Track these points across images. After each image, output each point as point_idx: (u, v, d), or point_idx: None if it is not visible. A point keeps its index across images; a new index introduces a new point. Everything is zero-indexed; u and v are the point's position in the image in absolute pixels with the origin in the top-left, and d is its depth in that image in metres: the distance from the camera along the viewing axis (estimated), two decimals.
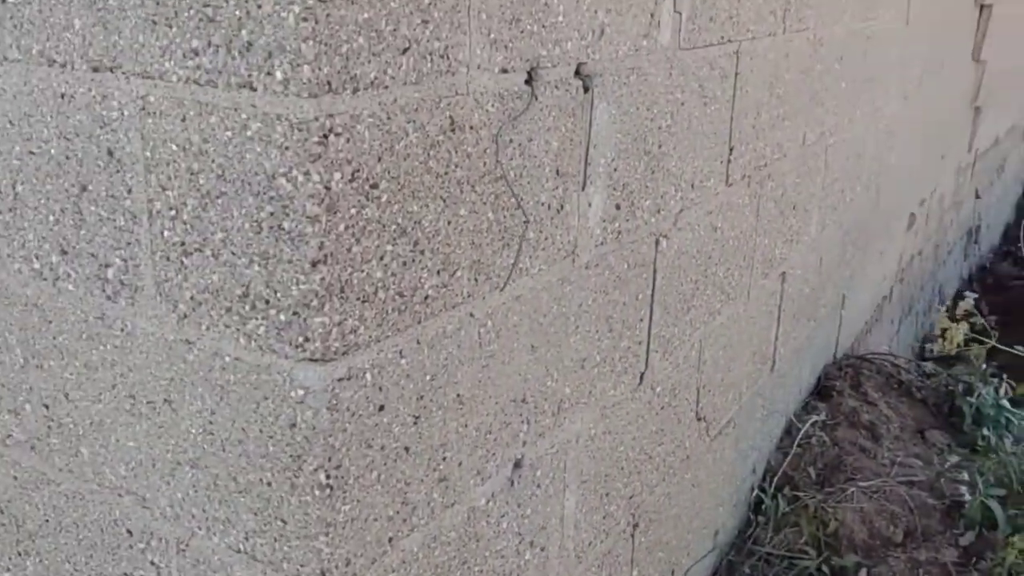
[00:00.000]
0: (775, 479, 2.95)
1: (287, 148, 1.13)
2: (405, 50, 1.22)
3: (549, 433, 1.72)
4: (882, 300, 4.43)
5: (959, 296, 6.42)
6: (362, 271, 1.22)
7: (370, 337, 1.26)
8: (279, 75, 1.11)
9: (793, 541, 2.75)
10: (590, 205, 1.70)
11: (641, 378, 2.03)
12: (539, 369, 1.65)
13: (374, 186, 1.22)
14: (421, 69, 1.25)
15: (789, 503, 2.83)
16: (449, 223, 1.36)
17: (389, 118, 1.22)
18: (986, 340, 3.41)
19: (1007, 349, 3.48)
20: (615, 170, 1.75)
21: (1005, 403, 3.23)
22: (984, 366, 3.28)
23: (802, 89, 2.60)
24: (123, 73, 1.25)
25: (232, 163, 1.18)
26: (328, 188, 1.14)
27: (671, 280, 2.06)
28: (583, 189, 1.66)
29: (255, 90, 1.14)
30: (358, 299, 1.23)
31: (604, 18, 1.61)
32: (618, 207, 1.79)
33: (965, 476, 2.88)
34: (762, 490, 2.92)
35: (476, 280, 1.44)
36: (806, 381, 3.39)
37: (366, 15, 1.15)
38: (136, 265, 1.33)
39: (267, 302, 1.21)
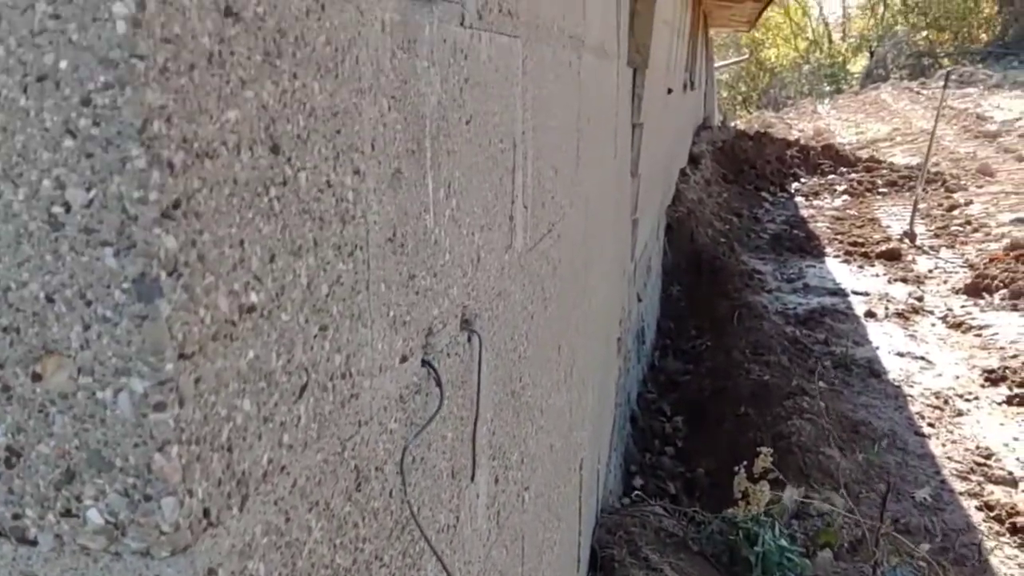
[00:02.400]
0: None
1: None
2: (303, 389, 0.66)
3: None
4: (611, 435, 4.26)
5: (647, 405, 6.56)
6: None
7: None
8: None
9: None
10: (478, 496, 1.19)
11: None
12: None
13: None
14: (322, 412, 0.70)
15: None
16: None
17: (289, 520, 0.65)
18: (779, 493, 3.29)
19: (807, 499, 3.40)
20: (493, 434, 1.26)
21: (783, 542, 3.09)
22: (760, 512, 3.14)
23: (582, 256, 2.28)
24: None
25: None
26: None
27: (531, 537, 1.59)
28: (472, 480, 1.15)
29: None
30: None
31: (480, 239, 1.13)
32: (497, 480, 1.29)
33: None
34: None
35: None
36: (584, 557, 3.03)
37: (250, 355, 0.59)
38: None
39: None
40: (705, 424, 6.07)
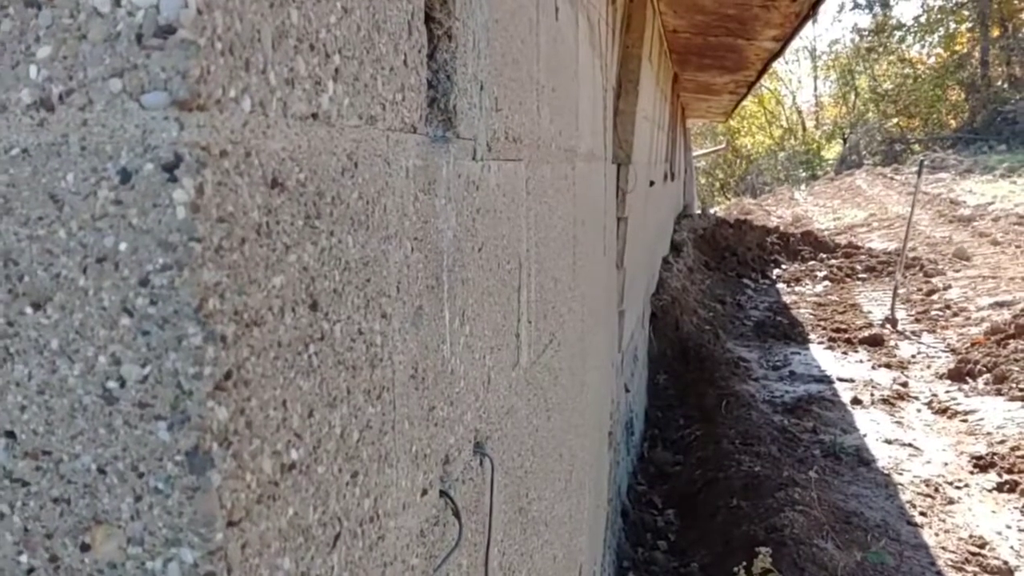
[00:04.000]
0: None
1: None
2: (336, 540, 0.67)
3: None
4: (605, 533, 4.21)
5: (637, 498, 6.50)
6: None
7: None
8: None
9: None
10: None
11: None
12: None
13: None
14: (353, 559, 0.70)
15: None
16: None
17: None
18: None
19: None
20: (503, 554, 1.25)
21: None
22: None
23: (579, 357, 2.29)
24: None
25: None
26: None
27: None
28: None
29: None
30: None
31: (489, 361, 1.15)
32: None
33: None
34: None
35: None
36: None
37: (290, 513, 0.60)
38: None
39: None
40: (697, 517, 6.01)
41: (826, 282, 12.89)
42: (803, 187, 26.87)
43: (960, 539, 5.29)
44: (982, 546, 5.22)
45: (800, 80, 54.45)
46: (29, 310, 0.52)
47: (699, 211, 18.71)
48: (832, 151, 36.69)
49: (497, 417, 1.20)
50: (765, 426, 7.05)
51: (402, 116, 0.79)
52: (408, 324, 0.82)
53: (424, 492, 0.88)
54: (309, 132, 0.62)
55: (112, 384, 0.51)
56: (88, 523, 0.52)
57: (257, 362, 0.55)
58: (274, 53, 0.57)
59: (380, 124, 0.74)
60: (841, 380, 8.37)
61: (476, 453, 1.09)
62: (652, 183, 8.11)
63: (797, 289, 12.82)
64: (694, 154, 21.52)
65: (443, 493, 0.94)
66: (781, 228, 16.02)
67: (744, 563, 3.22)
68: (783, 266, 14.03)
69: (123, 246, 0.50)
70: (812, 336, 10.11)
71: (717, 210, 21.53)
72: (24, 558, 0.53)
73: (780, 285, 13.19)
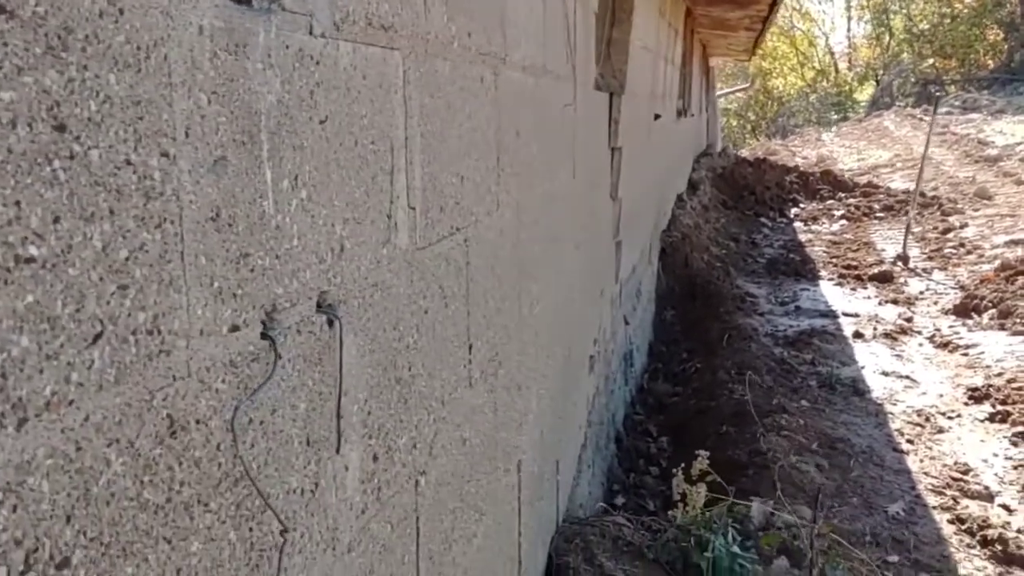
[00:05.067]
0: None
1: None
2: (97, 337, 0.77)
3: None
4: (581, 450, 4.33)
5: (634, 427, 6.62)
6: None
7: None
8: None
9: None
10: (347, 468, 1.28)
11: None
12: None
13: (63, 564, 0.73)
14: (122, 360, 0.80)
15: None
16: (178, 572, 0.89)
17: (81, 450, 0.75)
18: (723, 497, 3.35)
19: (745, 503, 3.46)
20: (369, 413, 1.35)
21: (736, 549, 3.16)
22: (711, 516, 3.20)
23: (513, 263, 2.38)
24: None
25: None
26: None
27: (433, 522, 1.68)
28: (338, 452, 1.24)
29: None
30: None
31: (342, 231, 1.24)
32: (375, 458, 1.39)
33: None
34: None
35: None
36: (540, 564, 3.10)
37: (31, 298, 0.69)
38: None
39: None
40: (688, 444, 6.11)
41: (843, 221, 12.82)
42: (832, 129, 26.51)
43: (944, 465, 5.37)
44: (966, 472, 5.29)
45: (833, 21, 53.23)
46: None
47: (720, 151, 18.58)
48: (865, 93, 36.03)
49: (358, 287, 1.30)
50: (763, 358, 7.12)
51: None
52: (205, 170, 0.91)
53: (235, 328, 0.98)
54: None
55: None
56: None
57: None
58: None
59: None
60: (846, 315, 8.40)
61: (322, 312, 1.18)
62: (658, 116, 8.09)
63: (814, 228, 12.77)
64: (717, 93, 21.29)
65: (265, 336, 1.04)
66: (802, 168, 15.89)
67: (683, 465, 3.33)
68: (801, 205, 13.96)
69: None
70: (823, 273, 10.10)
71: (741, 151, 21.35)
72: None
73: (797, 224, 13.14)
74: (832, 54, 40.18)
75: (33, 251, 0.70)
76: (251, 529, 1.02)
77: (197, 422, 0.91)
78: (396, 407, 1.46)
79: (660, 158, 9.11)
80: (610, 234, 6.08)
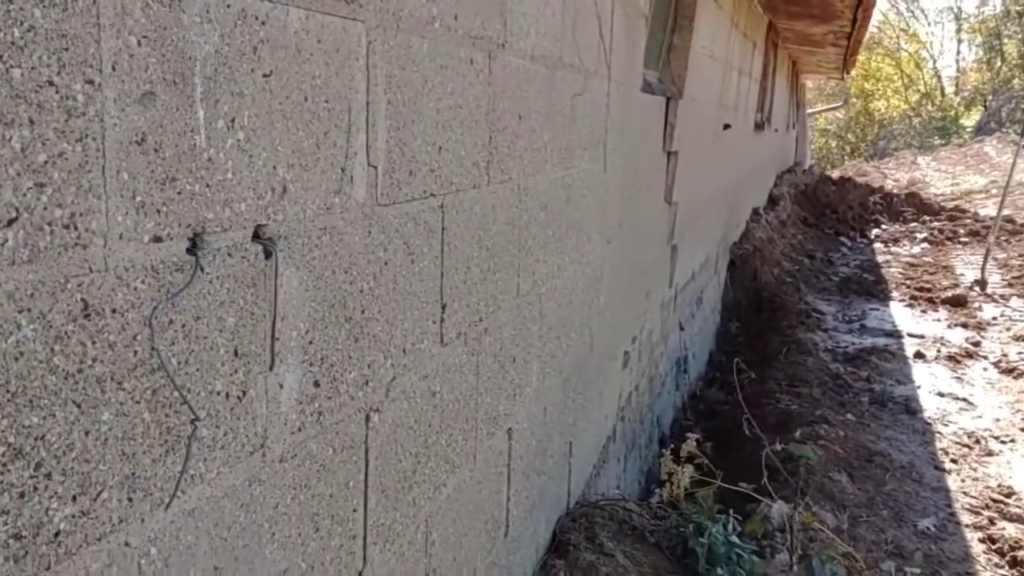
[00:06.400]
0: None
1: None
2: (12, 221, 0.94)
3: None
4: (607, 440, 4.43)
5: (681, 431, 6.66)
6: None
7: None
8: None
9: None
10: (281, 386, 1.45)
11: None
12: None
13: None
14: (36, 244, 0.98)
15: None
16: (87, 433, 1.06)
17: None
18: (711, 480, 3.43)
19: (734, 488, 3.53)
20: (311, 343, 1.52)
21: (734, 538, 3.23)
22: (713, 504, 3.29)
23: (511, 239, 2.52)
24: None
25: None
26: None
27: (387, 458, 1.83)
28: (271, 369, 1.41)
29: None
30: None
31: (286, 174, 1.41)
32: (317, 384, 1.55)
33: None
34: None
35: (131, 500, 1.14)
36: (542, 538, 3.23)
37: None
38: None
39: None
40: (729, 449, 6.14)
41: (924, 244, 12.56)
42: (930, 153, 25.84)
43: (987, 487, 5.28)
44: (1008, 495, 5.20)
45: (943, 43, 51.80)
46: None
47: (807, 168, 18.33)
48: (971, 118, 34.93)
49: (303, 228, 1.46)
50: (817, 371, 7.09)
51: None
52: (132, 100, 1.09)
53: (157, 239, 1.15)
54: None
55: None
56: None
57: None
58: None
59: None
60: (911, 336, 8.27)
61: (257, 242, 1.35)
62: (727, 127, 8.12)
63: (893, 249, 12.54)
64: (808, 112, 21.00)
65: (191, 252, 1.21)
66: (887, 189, 15.59)
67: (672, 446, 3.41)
68: (883, 226, 13.71)
69: None
70: (895, 294, 9.95)
71: (832, 171, 20.98)
72: None
73: (877, 244, 12.92)
74: (939, 77, 39.11)
75: None
76: (167, 415, 1.19)
77: (113, 311, 1.09)
78: (344, 343, 1.62)
79: (731, 168, 9.12)
80: (663, 237, 6.15)
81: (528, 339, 2.79)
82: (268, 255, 1.38)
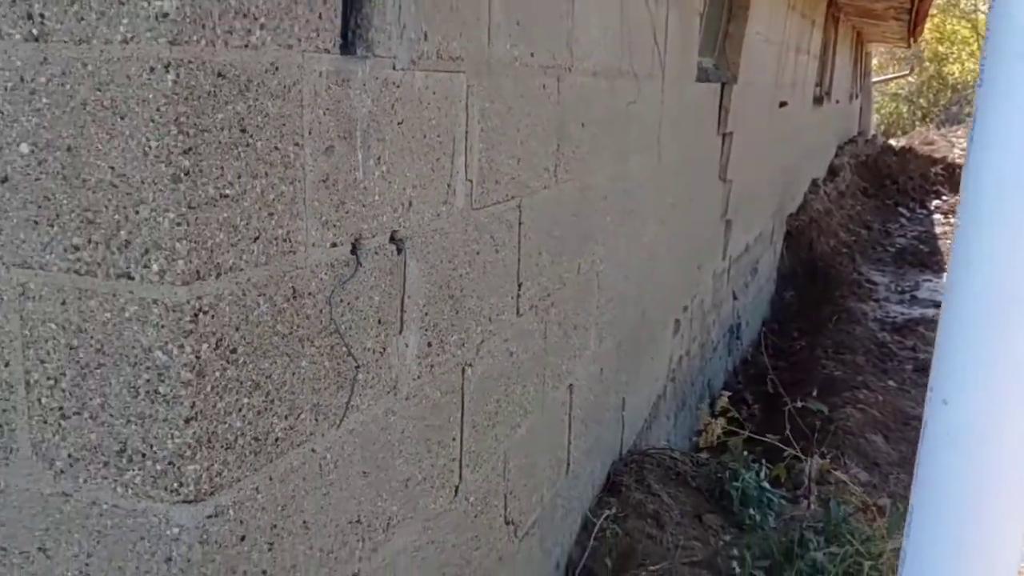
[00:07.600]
0: (577, 572, 3.28)
1: (163, 326, 1.37)
2: (256, 239, 1.49)
3: (381, 547, 1.97)
4: (657, 399, 4.94)
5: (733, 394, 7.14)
6: (225, 423, 1.46)
7: (232, 478, 1.49)
8: (155, 267, 1.36)
9: None
10: (407, 346, 1.99)
11: (456, 491, 2.31)
12: (371, 492, 1.90)
13: (233, 351, 1.47)
14: (268, 252, 1.52)
15: None
16: (294, 374, 1.62)
17: (244, 294, 1.48)
18: (741, 431, 3.93)
19: (761, 438, 4.03)
20: (426, 314, 2.06)
21: (766, 484, 3.73)
22: (745, 453, 3.78)
23: (574, 228, 3.03)
24: (3, 264, 1.44)
25: (111, 339, 1.40)
26: (198, 357, 1.39)
27: (477, 402, 2.38)
28: (400, 333, 1.96)
29: (132, 279, 1.37)
30: (222, 447, 1.46)
31: (411, 193, 1.94)
32: (430, 344, 2.09)
33: (736, 552, 3.32)
34: None
35: (317, 420, 1.69)
36: (598, 479, 3.77)
37: (225, 214, 1.42)
38: (12, 429, 1.49)
39: (143, 455, 1.41)
40: (774, 411, 6.60)
41: None
42: None
43: None
44: None
45: None
46: None
47: (869, 137, 18.37)
48: None
49: (421, 230, 2.00)
50: (864, 340, 7.48)
51: (316, 44, 1.59)
52: (320, 153, 1.63)
53: (334, 245, 1.69)
54: (243, 53, 1.42)
55: None
56: None
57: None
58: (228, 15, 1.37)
59: (295, 48, 1.53)
60: None
61: (392, 242, 1.89)
62: (783, 104, 8.46)
63: (952, 221, 12.70)
64: (873, 80, 20.94)
65: (354, 252, 1.75)
66: (950, 159, 15.66)
67: (709, 402, 3.90)
68: (943, 197, 13.85)
69: None
70: None
71: (896, 140, 20.93)
72: None
73: (936, 216, 13.09)
74: None
75: (229, 193, 1.42)
76: (339, 364, 1.74)
77: (308, 294, 1.64)
78: (448, 314, 2.16)
79: (787, 143, 9.45)
80: (717, 213, 6.59)
81: (587, 310, 3.31)
82: (399, 251, 1.92)
